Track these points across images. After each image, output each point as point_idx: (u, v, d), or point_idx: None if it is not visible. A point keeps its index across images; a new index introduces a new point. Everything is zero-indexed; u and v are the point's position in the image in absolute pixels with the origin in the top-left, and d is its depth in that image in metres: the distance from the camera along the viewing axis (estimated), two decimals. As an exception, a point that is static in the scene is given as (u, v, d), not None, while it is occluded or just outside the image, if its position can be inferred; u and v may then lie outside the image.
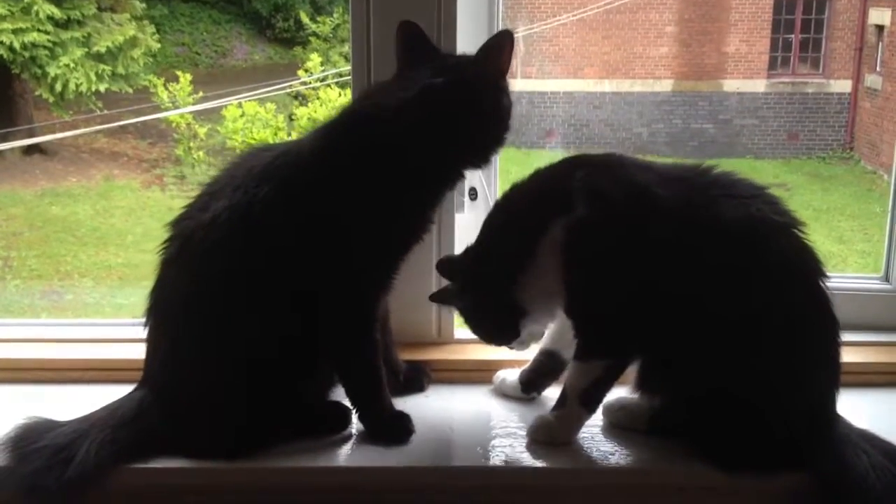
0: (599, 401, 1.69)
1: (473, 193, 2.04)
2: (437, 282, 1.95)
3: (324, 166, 1.60)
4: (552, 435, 1.68)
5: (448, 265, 1.79)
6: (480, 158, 1.66)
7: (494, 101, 1.64)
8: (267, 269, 1.57)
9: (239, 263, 1.57)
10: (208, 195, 1.64)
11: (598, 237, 1.58)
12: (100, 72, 8.36)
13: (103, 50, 8.41)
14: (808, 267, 1.59)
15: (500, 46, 1.63)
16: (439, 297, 1.82)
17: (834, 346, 1.60)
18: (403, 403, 1.78)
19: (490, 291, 1.71)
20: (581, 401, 1.66)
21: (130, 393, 1.66)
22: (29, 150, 8.79)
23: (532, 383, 1.84)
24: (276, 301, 1.58)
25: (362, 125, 1.61)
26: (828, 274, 1.60)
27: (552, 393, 1.84)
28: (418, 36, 1.65)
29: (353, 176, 1.58)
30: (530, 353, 1.85)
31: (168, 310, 1.64)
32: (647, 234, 1.56)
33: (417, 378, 1.89)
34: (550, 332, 1.82)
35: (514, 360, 1.90)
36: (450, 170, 1.65)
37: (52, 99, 8.28)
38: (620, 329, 1.62)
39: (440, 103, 1.58)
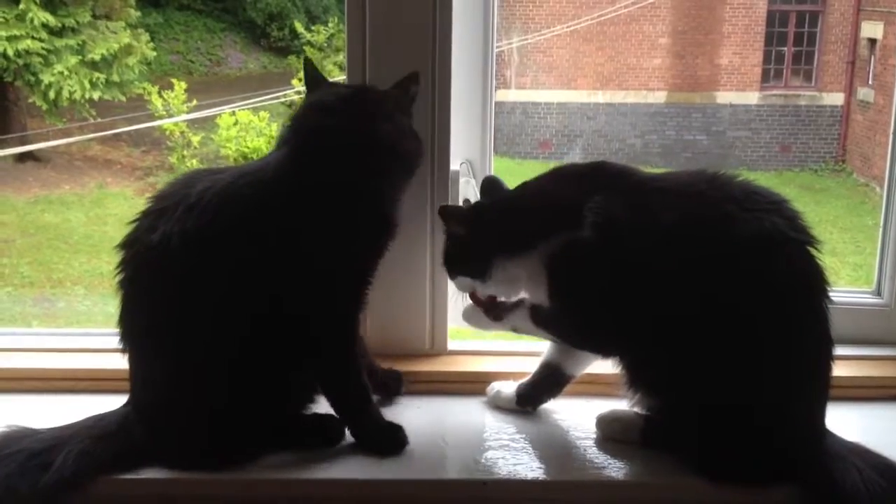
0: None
1: (467, 205, 2.04)
2: (430, 294, 1.95)
3: (294, 183, 1.61)
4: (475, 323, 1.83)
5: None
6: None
7: None
8: (233, 288, 1.56)
9: (204, 283, 1.56)
10: (156, 213, 1.59)
11: (593, 261, 1.60)
12: (94, 79, 8.35)
13: (98, 58, 8.41)
14: (812, 286, 1.59)
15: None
16: (446, 211, 1.81)
17: (826, 365, 1.60)
18: (395, 416, 1.78)
19: (481, 236, 1.73)
20: (513, 327, 1.78)
21: (116, 409, 1.65)
22: (22, 158, 8.78)
23: (529, 397, 1.83)
24: (246, 316, 1.57)
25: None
26: (831, 296, 1.60)
27: (548, 407, 1.84)
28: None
29: (326, 190, 1.61)
30: (534, 366, 1.85)
31: (137, 334, 1.62)
32: (647, 262, 1.57)
33: (394, 384, 1.88)
34: (554, 344, 1.81)
35: (510, 371, 1.90)
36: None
37: (45, 106, 8.27)
38: (602, 337, 1.67)
39: None
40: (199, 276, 1.56)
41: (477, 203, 1.83)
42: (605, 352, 1.70)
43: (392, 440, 1.68)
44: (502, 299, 1.80)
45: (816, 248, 1.59)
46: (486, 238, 1.72)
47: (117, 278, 1.62)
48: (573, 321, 1.68)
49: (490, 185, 1.82)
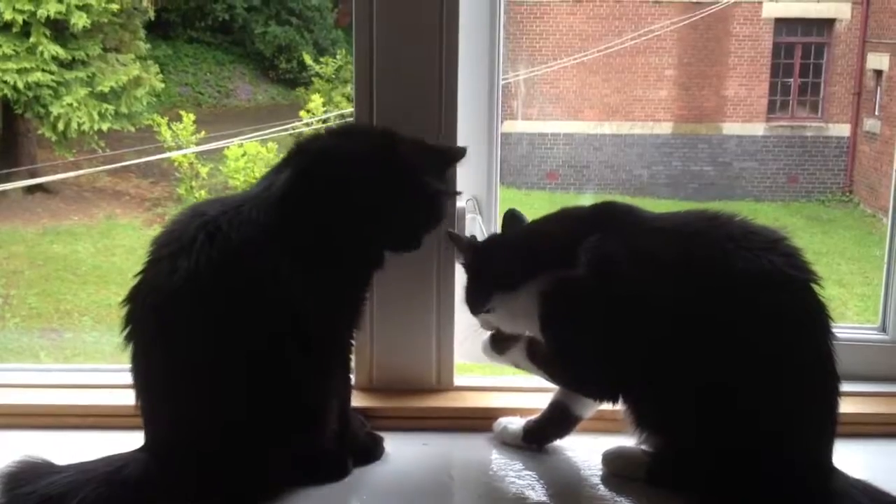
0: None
1: (473, 241, 2.05)
2: (437, 329, 1.96)
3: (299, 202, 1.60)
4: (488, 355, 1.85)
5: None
6: None
7: None
8: (259, 318, 1.54)
9: (235, 315, 1.53)
10: (170, 257, 1.55)
11: (586, 299, 1.61)
12: (103, 111, 8.41)
13: (107, 89, 8.47)
14: (812, 323, 1.58)
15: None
16: (453, 236, 1.84)
17: (832, 402, 1.60)
18: (402, 452, 1.79)
19: (481, 270, 1.76)
20: (513, 362, 1.80)
21: (136, 453, 1.60)
22: (31, 189, 8.83)
23: (536, 435, 1.82)
24: (265, 348, 1.55)
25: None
26: (835, 333, 1.60)
27: (554, 443, 1.84)
28: None
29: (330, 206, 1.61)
30: (540, 402, 1.85)
31: (167, 377, 1.57)
32: (643, 302, 1.57)
33: (374, 447, 1.80)
34: None
35: (517, 408, 1.90)
36: None
37: (54, 138, 8.33)
38: (593, 380, 1.69)
39: None
40: (227, 309, 1.53)
41: (479, 240, 1.86)
42: (594, 395, 1.72)
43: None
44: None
45: (818, 285, 1.60)
46: (484, 274, 1.75)
47: (133, 327, 1.59)
48: (564, 360, 1.69)
49: (510, 219, 1.83)
